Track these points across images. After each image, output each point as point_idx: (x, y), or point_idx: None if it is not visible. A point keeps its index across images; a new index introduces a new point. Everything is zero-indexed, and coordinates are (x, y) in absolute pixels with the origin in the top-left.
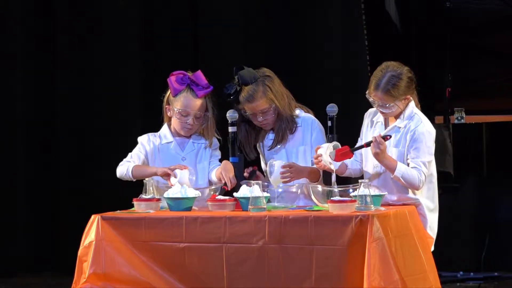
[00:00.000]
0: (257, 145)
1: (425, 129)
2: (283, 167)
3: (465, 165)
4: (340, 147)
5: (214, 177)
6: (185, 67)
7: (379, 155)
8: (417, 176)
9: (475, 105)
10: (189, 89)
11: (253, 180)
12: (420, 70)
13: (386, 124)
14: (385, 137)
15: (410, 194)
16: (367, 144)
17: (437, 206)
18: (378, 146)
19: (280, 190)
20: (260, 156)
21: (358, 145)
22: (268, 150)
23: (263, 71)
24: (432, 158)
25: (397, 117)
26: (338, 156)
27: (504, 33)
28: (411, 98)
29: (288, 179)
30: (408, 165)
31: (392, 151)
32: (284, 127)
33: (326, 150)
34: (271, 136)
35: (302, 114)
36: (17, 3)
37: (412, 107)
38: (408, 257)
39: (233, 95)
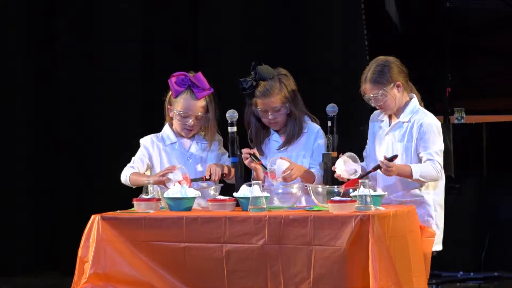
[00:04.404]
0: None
1: (431, 121)
2: (284, 172)
3: (465, 165)
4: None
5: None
6: (185, 67)
7: (393, 174)
8: (433, 167)
9: (475, 105)
10: (189, 90)
11: (256, 162)
12: (420, 70)
13: (390, 123)
14: (393, 158)
15: (416, 191)
16: (375, 168)
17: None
18: (387, 169)
19: (280, 191)
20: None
21: (366, 169)
22: (277, 149)
23: (279, 70)
24: (443, 147)
25: (399, 113)
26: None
27: (504, 33)
28: (413, 95)
29: (292, 178)
30: (420, 159)
31: (397, 146)
32: (293, 132)
33: (342, 167)
34: (274, 137)
35: (309, 122)
36: (17, 3)
37: (415, 104)
38: (398, 259)
39: (248, 89)
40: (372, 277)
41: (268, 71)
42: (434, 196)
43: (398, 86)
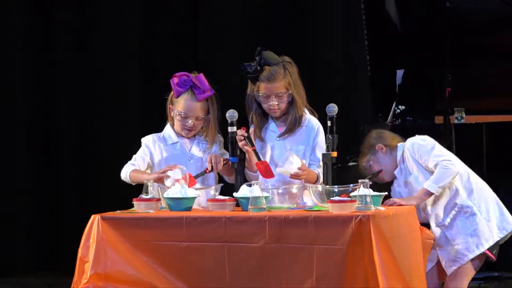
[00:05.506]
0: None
1: (411, 142)
2: (299, 168)
3: (465, 165)
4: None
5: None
6: (185, 67)
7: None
8: (443, 168)
9: (475, 105)
10: (190, 91)
11: (250, 144)
12: (420, 70)
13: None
14: (378, 173)
15: (450, 201)
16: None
17: (488, 193)
18: (395, 205)
19: (280, 191)
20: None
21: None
22: (278, 137)
23: (284, 58)
24: (437, 145)
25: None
26: None
27: (504, 33)
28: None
29: (300, 178)
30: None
31: (414, 182)
32: (294, 121)
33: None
34: (272, 126)
35: (308, 116)
36: (17, 3)
37: (401, 147)
38: (398, 259)
39: (252, 74)
40: (381, 276)
41: (273, 57)
42: (469, 197)
43: (380, 149)
